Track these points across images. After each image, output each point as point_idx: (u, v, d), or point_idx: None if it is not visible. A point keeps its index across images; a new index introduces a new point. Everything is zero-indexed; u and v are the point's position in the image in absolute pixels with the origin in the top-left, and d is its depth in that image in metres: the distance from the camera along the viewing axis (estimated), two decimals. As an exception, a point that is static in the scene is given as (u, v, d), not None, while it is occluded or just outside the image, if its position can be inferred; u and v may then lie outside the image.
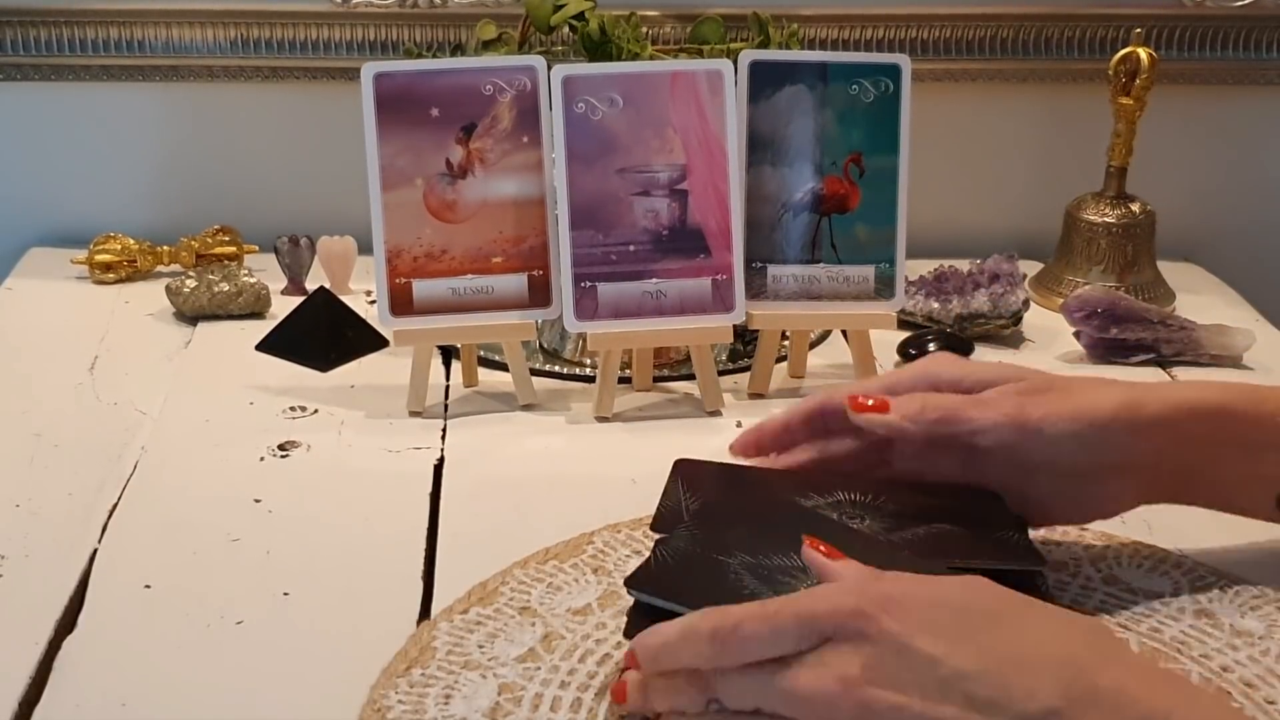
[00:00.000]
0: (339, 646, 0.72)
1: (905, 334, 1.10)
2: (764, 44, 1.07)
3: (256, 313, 1.15)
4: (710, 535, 0.71)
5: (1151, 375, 1.08)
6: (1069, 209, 1.23)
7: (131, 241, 1.22)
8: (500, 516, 0.85)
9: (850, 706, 0.58)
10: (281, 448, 0.93)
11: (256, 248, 1.24)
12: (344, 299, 1.03)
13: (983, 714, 0.56)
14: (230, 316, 1.14)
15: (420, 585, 0.78)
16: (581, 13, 1.06)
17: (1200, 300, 1.23)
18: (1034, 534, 0.75)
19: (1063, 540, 0.81)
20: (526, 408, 1.00)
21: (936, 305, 1.13)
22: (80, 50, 1.26)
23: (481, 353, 1.05)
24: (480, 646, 0.70)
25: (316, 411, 0.99)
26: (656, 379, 1.04)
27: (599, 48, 1.05)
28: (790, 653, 0.59)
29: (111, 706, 0.67)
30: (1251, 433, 0.73)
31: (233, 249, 1.23)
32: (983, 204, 1.34)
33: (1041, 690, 0.56)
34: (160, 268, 1.23)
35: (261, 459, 0.92)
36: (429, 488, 0.89)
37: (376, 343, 1.01)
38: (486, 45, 1.10)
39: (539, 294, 0.98)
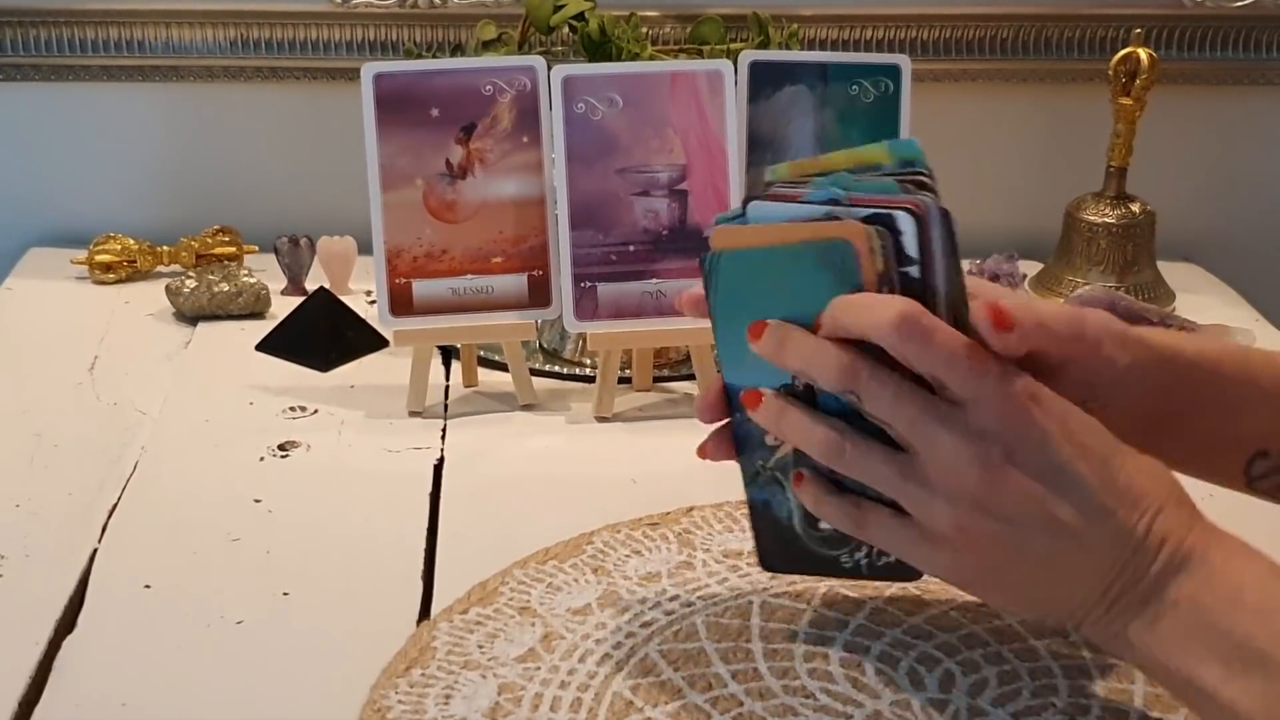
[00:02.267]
0: (339, 646, 0.72)
1: (905, 334, 1.10)
2: (764, 44, 1.07)
3: (256, 313, 1.15)
4: None
5: (1151, 375, 1.08)
6: (1069, 209, 1.23)
7: (131, 241, 1.22)
8: (500, 516, 0.85)
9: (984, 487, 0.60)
10: (281, 448, 0.93)
11: (256, 248, 1.24)
12: (344, 299, 1.03)
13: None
14: (230, 316, 1.14)
15: (420, 585, 0.78)
16: (581, 13, 1.06)
17: (1200, 300, 1.23)
18: None
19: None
20: (526, 408, 1.00)
21: (936, 305, 1.13)
22: (80, 50, 1.26)
23: (481, 353, 1.05)
24: (480, 646, 0.70)
25: (316, 411, 0.99)
26: (656, 379, 1.04)
27: (599, 48, 1.05)
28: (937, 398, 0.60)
29: (111, 706, 0.67)
30: (1232, 389, 0.72)
31: (233, 249, 1.23)
32: (983, 204, 1.34)
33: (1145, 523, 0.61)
34: (160, 268, 1.23)
35: (261, 459, 0.92)
36: (429, 488, 0.89)
37: (376, 343, 1.01)
38: (486, 45, 1.10)
39: (539, 294, 0.98)
